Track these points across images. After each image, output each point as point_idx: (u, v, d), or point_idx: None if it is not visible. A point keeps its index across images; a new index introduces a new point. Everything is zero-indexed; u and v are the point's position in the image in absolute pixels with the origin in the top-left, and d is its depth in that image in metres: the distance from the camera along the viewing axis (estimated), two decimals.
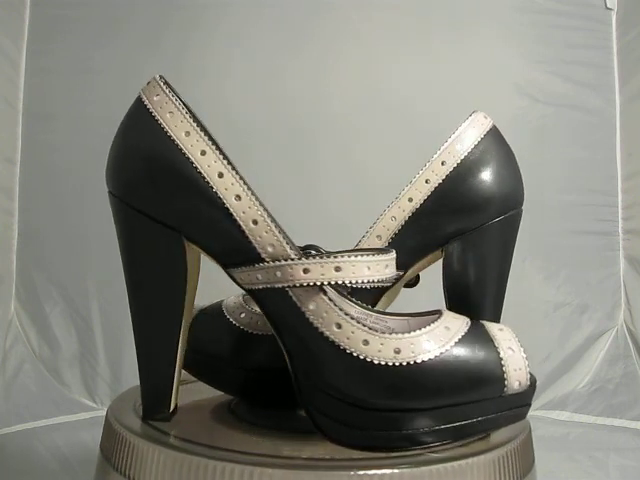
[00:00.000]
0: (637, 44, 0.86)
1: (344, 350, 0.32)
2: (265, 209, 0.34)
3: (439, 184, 0.41)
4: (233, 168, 0.34)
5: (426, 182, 0.42)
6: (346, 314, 0.33)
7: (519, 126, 0.85)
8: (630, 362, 0.82)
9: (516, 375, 0.32)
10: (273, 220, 0.33)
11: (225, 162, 0.34)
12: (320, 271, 0.32)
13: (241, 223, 0.33)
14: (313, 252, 0.37)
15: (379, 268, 0.33)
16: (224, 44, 0.84)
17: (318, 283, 0.32)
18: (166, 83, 0.36)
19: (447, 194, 0.41)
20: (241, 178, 0.34)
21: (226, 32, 0.84)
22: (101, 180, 0.80)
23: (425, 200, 0.42)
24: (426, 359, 0.32)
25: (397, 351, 0.32)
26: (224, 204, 0.33)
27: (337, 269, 0.32)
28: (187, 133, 0.34)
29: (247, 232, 0.33)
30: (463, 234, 0.41)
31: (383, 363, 0.31)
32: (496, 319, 0.43)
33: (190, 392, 0.45)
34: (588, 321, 0.84)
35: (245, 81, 0.83)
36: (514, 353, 0.33)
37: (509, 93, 0.85)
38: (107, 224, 0.89)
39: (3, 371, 0.75)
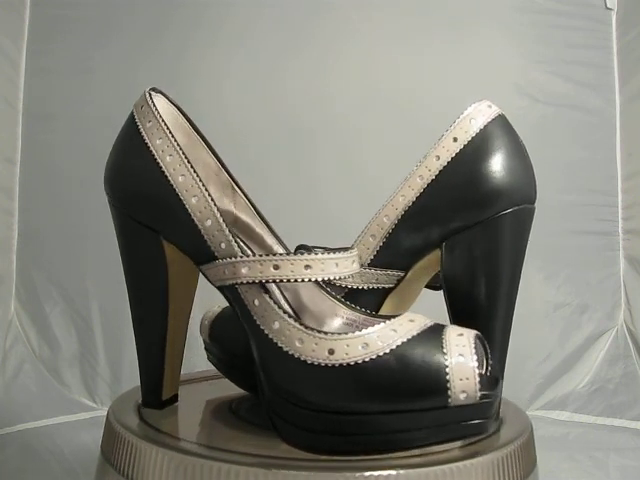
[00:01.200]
0: (637, 44, 0.86)
1: (281, 348, 0.32)
2: (218, 209, 0.35)
3: (432, 180, 0.39)
4: (195, 171, 0.36)
5: (419, 178, 0.39)
6: (284, 312, 0.33)
7: (519, 126, 0.85)
8: (630, 362, 0.82)
9: (462, 385, 0.29)
10: (224, 220, 0.35)
11: (189, 165, 0.36)
12: (259, 269, 0.33)
13: (197, 223, 0.35)
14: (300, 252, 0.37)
15: (347, 264, 0.34)
16: (224, 44, 0.84)
17: (257, 280, 0.33)
18: (154, 103, 0.40)
19: (440, 190, 0.39)
20: (200, 180, 0.36)
21: (226, 32, 0.84)
22: (101, 180, 0.80)
23: (418, 197, 0.39)
24: (360, 362, 0.30)
25: (331, 352, 0.31)
26: (184, 205, 0.36)
27: (306, 267, 0.33)
28: (171, 156, 0.37)
29: (202, 231, 0.35)
30: (457, 232, 0.38)
31: (316, 363, 0.31)
32: (499, 325, 0.41)
33: (190, 392, 0.45)
34: (588, 321, 0.84)
35: (245, 81, 0.83)
36: (464, 361, 0.29)
37: (509, 93, 0.85)
38: (107, 224, 0.89)
39: (3, 371, 0.75)
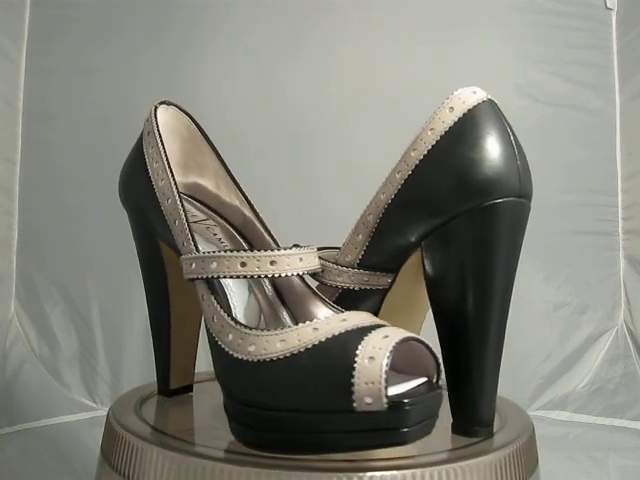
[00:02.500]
0: (637, 44, 0.86)
1: (217, 341, 0.33)
2: (184, 211, 0.38)
3: (409, 175, 0.37)
4: (172, 176, 0.39)
5: (398, 174, 0.37)
6: (221, 307, 0.34)
7: (519, 126, 0.85)
8: (630, 362, 0.82)
9: (367, 390, 0.27)
10: (187, 221, 0.37)
11: (168, 170, 0.39)
12: (226, 264, 0.34)
13: (169, 223, 0.39)
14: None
15: (310, 259, 0.35)
16: (223, 44, 0.84)
17: (227, 275, 0.34)
18: (156, 114, 0.42)
19: (416, 185, 0.36)
20: (175, 184, 0.39)
21: (226, 32, 0.84)
22: (101, 180, 0.80)
23: (396, 194, 0.37)
24: (275, 358, 0.30)
25: (252, 347, 0.31)
26: (160, 206, 0.39)
27: (272, 263, 0.34)
28: (157, 162, 0.41)
29: (172, 230, 0.38)
30: (436, 230, 0.36)
31: (240, 358, 0.31)
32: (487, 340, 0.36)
33: (190, 394, 0.45)
34: (588, 321, 0.84)
35: (244, 81, 0.83)
36: (373, 364, 0.27)
37: (509, 93, 0.85)
38: (107, 224, 0.89)
39: (3, 371, 0.75)
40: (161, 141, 0.41)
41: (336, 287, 0.40)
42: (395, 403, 0.27)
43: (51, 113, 0.83)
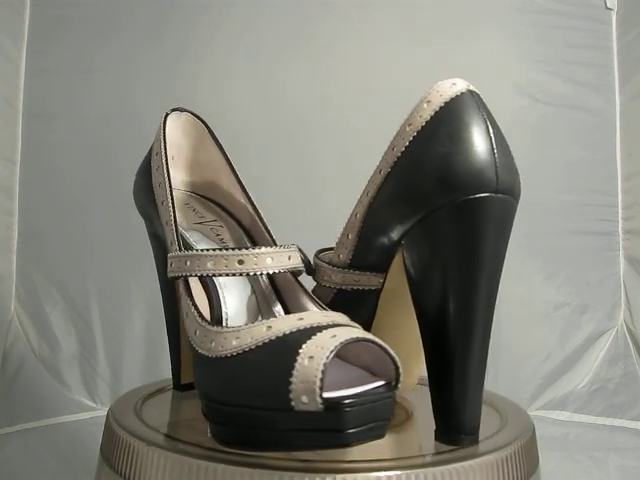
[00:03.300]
0: (637, 44, 0.86)
1: (188, 338, 0.34)
2: (174, 212, 0.39)
3: (388, 173, 0.36)
4: (169, 179, 0.41)
5: (379, 172, 0.36)
6: (193, 305, 0.35)
7: (519, 126, 0.85)
8: (630, 362, 0.82)
9: (303, 389, 0.27)
10: (175, 222, 0.39)
11: (165, 174, 0.41)
12: (197, 263, 0.35)
13: (162, 224, 0.41)
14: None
15: (282, 259, 0.36)
16: (224, 44, 0.84)
17: (198, 274, 0.35)
18: (165, 121, 0.45)
19: (393, 182, 0.35)
20: (170, 186, 0.40)
21: (226, 32, 0.84)
22: (101, 180, 0.80)
23: (377, 192, 0.36)
24: (228, 355, 0.31)
25: (211, 344, 0.32)
26: (157, 208, 0.41)
27: (240, 262, 0.35)
28: (158, 168, 0.43)
29: (164, 231, 0.40)
30: (412, 229, 0.34)
31: (201, 353, 0.32)
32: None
33: (190, 394, 0.45)
34: (588, 321, 0.84)
35: (244, 81, 0.83)
36: (311, 363, 0.27)
37: (509, 93, 0.85)
38: (107, 224, 0.89)
39: (3, 371, 0.75)
40: (164, 147, 0.42)
41: (331, 287, 0.40)
42: (332, 404, 0.27)
43: (51, 113, 0.83)
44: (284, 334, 0.30)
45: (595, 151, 0.88)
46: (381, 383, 0.30)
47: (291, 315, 0.32)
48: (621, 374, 0.81)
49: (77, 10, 0.84)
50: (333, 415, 0.27)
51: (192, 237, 0.44)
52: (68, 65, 0.83)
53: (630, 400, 0.77)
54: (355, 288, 0.38)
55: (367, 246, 0.38)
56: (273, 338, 0.30)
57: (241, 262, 0.35)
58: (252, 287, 0.42)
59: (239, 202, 0.46)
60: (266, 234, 0.44)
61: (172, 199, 0.40)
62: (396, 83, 0.84)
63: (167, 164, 0.41)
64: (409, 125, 0.35)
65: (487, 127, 0.33)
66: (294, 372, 0.27)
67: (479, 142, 0.33)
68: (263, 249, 0.35)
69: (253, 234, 0.45)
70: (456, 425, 0.34)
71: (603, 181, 0.88)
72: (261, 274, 0.36)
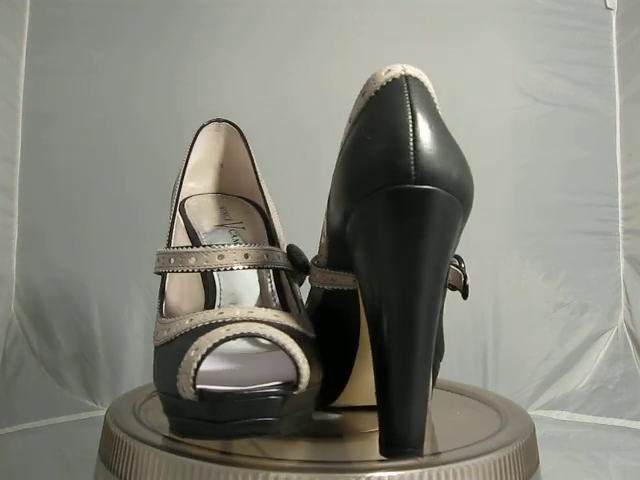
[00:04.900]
0: (637, 44, 0.86)
1: None
2: (174, 214, 0.43)
3: (335, 169, 0.34)
4: (181, 183, 0.46)
5: (333, 169, 0.35)
6: (159, 298, 0.38)
7: (519, 126, 0.85)
8: (630, 362, 0.82)
9: (184, 379, 0.28)
10: (172, 223, 0.42)
11: (179, 180, 0.46)
12: (162, 261, 0.37)
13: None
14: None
15: (235, 257, 0.36)
16: (225, 44, 0.84)
17: (161, 271, 0.38)
18: (200, 131, 0.50)
19: (332, 181, 0.34)
20: (178, 191, 0.45)
21: (227, 32, 0.84)
22: (101, 180, 0.80)
23: (329, 193, 0.35)
24: (159, 345, 0.33)
25: (157, 334, 0.34)
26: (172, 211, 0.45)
27: (192, 259, 0.36)
28: (179, 174, 0.48)
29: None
30: (345, 227, 0.32)
31: (154, 344, 0.35)
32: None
33: None
34: (588, 321, 0.84)
35: (246, 81, 0.83)
36: (194, 354, 0.28)
37: (509, 93, 0.85)
38: (107, 224, 0.89)
39: (3, 371, 0.75)
40: (187, 157, 0.47)
41: (319, 287, 0.39)
42: (205, 395, 0.28)
43: (51, 113, 0.83)
44: (196, 327, 0.32)
45: (595, 151, 0.88)
46: (282, 382, 0.29)
47: (214, 309, 0.34)
48: (621, 374, 0.81)
49: (77, 10, 0.84)
50: (209, 406, 0.28)
51: (207, 238, 0.46)
52: (68, 65, 0.83)
53: (630, 400, 0.77)
54: (336, 288, 0.37)
55: (334, 244, 0.37)
56: (188, 330, 0.32)
57: (194, 259, 0.36)
58: (259, 283, 0.43)
59: (260, 203, 0.48)
60: (271, 233, 0.45)
61: (176, 202, 0.44)
62: None
63: (184, 171, 0.45)
64: (349, 121, 0.33)
65: (408, 114, 0.30)
66: (182, 363, 0.29)
67: (396, 131, 0.29)
68: (214, 247, 0.36)
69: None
70: (397, 437, 0.30)
71: (603, 181, 0.88)
72: (238, 269, 0.37)
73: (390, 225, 0.29)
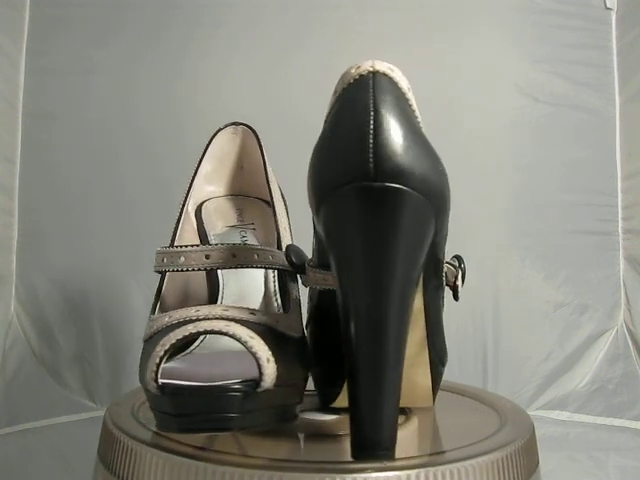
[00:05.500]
0: (637, 44, 0.86)
1: None
2: (180, 216, 0.44)
3: None
4: (190, 187, 0.47)
5: None
6: (155, 297, 0.39)
7: (519, 126, 0.85)
8: (630, 362, 0.82)
9: (149, 373, 0.29)
10: (177, 223, 0.44)
11: (190, 183, 0.47)
12: (158, 261, 0.39)
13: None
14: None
15: (195, 257, 0.37)
16: (225, 44, 0.84)
17: (158, 270, 0.39)
18: (216, 135, 0.50)
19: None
20: (187, 193, 0.46)
21: (227, 32, 0.84)
22: (101, 180, 0.80)
23: None
24: (144, 341, 0.35)
25: (145, 332, 0.35)
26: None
27: (181, 258, 0.38)
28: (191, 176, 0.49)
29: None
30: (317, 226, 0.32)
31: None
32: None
33: None
34: (588, 321, 0.84)
35: (246, 81, 0.83)
36: (160, 349, 0.29)
37: (509, 93, 0.85)
38: (107, 224, 0.89)
39: (3, 371, 0.75)
40: (200, 159, 0.48)
41: (314, 288, 0.39)
42: (164, 389, 0.29)
43: (51, 113, 0.83)
44: (172, 324, 0.33)
45: (595, 151, 0.88)
46: (244, 379, 0.29)
47: (192, 307, 0.34)
48: (621, 374, 0.81)
49: (77, 10, 0.84)
50: (169, 400, 0.29)
51: (216, 239, 0.47)
52: (68, 65, 0.83)
53: (630, 400, 0.77)
54: (327, 288, 0.37)
55: (318, 244, 0.37)
56: (164, 327, 0.33)
57: (183, 258, 0.37)
58: (265, 283, 0.44)
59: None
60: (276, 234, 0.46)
61: (184, 205, 0.45)
62: None
63: (195, 174, 0.47)
64: (325, 121, 0.32)
65: (370, 111, 0.28)
66: (151, 358, 0.30)
67: (356, 128, 0.28)
68: (202, 247, 0.38)
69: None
70: (368, 440, 0.29)
71: (603, 181, 0.88)
72: (224, 268, 0.39)
73: (352, 225, 0.28)
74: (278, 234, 0.45)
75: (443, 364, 0.41)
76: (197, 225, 0.48)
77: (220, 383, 0.29)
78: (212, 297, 0.43)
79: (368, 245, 0.28)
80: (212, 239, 0.47)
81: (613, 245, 0.87)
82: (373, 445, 0.29)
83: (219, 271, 0.44)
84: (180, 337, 0.30)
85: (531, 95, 0.85)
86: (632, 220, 0.86)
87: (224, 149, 0.50)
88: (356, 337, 0.29)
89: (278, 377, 0.29)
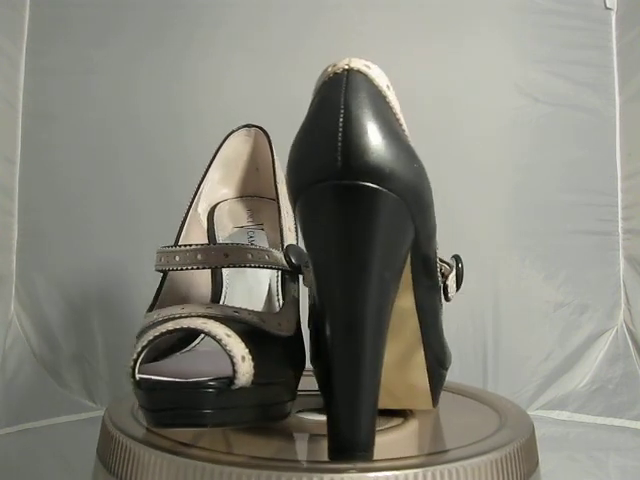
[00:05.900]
0: (637, 44, 0.86)
1: None
2: (185, 217, 0.45)
3: None
4: (197, 189, 0.47)
5: None
6: (154, 297, 0.40)
7: (519, 126, 0.85)
8: (630, 362, 0.82)
9: (127, 369, 0.31)
10: (183, 223, 0.44)
11: (197, 184, 0.47)
12: (157, 260, 0.39)
13: None
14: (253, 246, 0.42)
15: (189, 256, 0.38)
16: (225, 44, 0.84)
17: (159, 269, 0.40)
18: (227, 137, 0.51)
19: None
20: (195, 194, 0.47)
21: (227, 32, 0.84)
22: (101, 180, 0.80)
23: None
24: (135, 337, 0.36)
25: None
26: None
27: (176, 258, 0.38)
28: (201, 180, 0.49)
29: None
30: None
31: None
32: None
33: None
34: (588, 321, 0.84)
35: (246, 81, 0.83)
36: (139, 345, 0.31)
37: (509, 93, 0.85)
38: (107, 224, 0.89)
39: (3, 371, 0.75)
40: (212, 159, 0.48)
41: (310, 287, 0.39)
42: (140, 383, 0.30)
43: (51, 113, 0.83)
44: (157, 320, 0.33)
45: (595, 151, 0.87)
46: (218, 376, 0.30)
47: (179, 305, 0.35)
48: (621, 374, 0.81)
49: (77, 10, 0.84)
50: (144, 394, 0.30)
51: (224, 239, 0.48)
52: (68, 65, 0.83)
53: (630, 400, 0.77)
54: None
55: None
56: (151, 324, 0.34)
57: (177, 258, 0.38)
58: (269, 282, 0.45)
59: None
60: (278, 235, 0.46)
61: (190, 206, 0.46)
62: (396, 83, 0.84)
63: (204, 176, 0.47)
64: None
65: (340, 108, 0.28)
66: (133, 353, 0.31)
67: (325, 125, 0.28)
68: (194, 246, 0.38)
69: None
70: (345, 442, 0.29)
71: (603, 181, 0.88)
72: (217, 267, 0.40)
73: (324, 223, 0.28)
74: (281, 234, 0.45)
75: (444, 367, 0.41)
76: (207, 227, 0.48)
77: (193, 380, 0.29)
78: (215, 298, 0.43)
79: (339, 243, 0.28)
80: (219, 240, 0.47)
81: (613, 245, 0.87)
82: (351, 446, 0.29)
83: (223, 272, 0.44)
84: (158, 334, 0.30)
85: (531, 95, 0.85)
86: (632, 220, 0.86)
87: (238, 151, 0.50)
88: (331, 337, 0.29)
89: (256, 375, 0.29)
